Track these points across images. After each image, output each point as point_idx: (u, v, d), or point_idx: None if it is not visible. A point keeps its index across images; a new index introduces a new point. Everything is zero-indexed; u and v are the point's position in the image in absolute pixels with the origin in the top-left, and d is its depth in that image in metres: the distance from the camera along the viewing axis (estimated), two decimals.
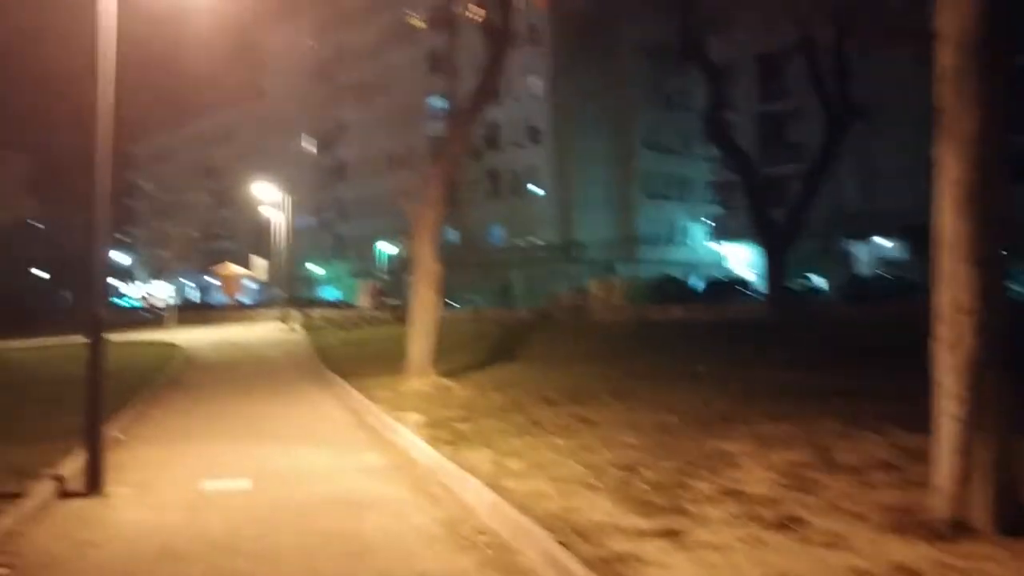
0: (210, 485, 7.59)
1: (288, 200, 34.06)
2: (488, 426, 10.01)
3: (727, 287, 35.30)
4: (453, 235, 53.52)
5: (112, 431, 10.28)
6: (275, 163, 64.94)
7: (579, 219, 51.92)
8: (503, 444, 8.80)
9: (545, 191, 54.17)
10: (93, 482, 7.24)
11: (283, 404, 13.41)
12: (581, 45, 50.88)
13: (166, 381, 17.00)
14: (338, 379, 15.97)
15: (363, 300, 40.54)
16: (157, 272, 47.93)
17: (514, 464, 7.75)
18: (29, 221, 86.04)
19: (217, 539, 5.87)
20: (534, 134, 54.32)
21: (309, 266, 70.87)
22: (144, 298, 76.05)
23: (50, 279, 72.81)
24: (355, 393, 13.67)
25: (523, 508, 5.93)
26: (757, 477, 6.75)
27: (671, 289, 31.45)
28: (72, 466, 7.72)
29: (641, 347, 19.30)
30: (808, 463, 7.11)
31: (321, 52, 71.58)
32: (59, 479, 7.39)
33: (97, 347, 7.42)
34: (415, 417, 10.91)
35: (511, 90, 54.59)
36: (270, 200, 37.69)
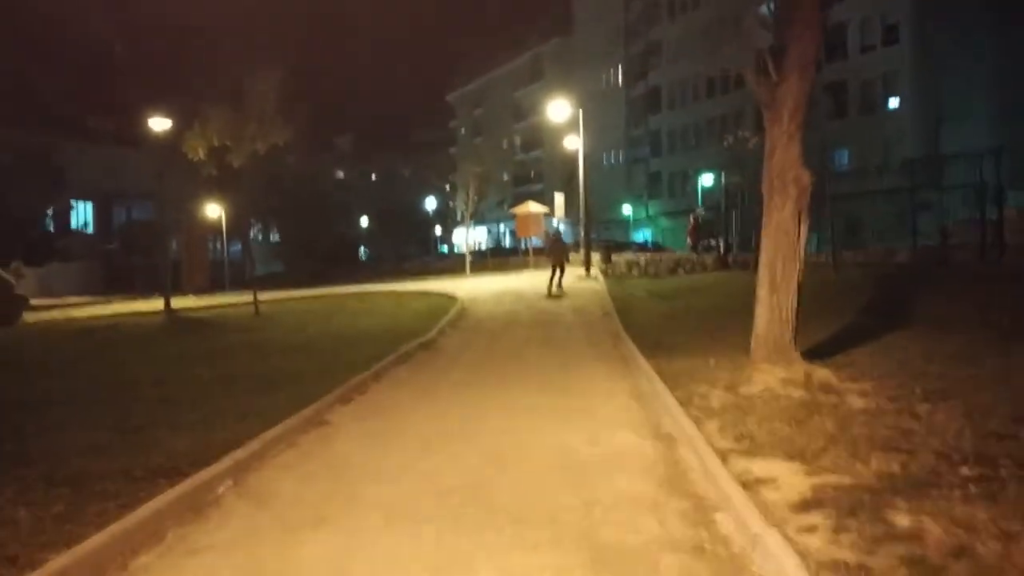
0: None
1: (582, 128, 28.81)
2: (985, 531, 3.93)
3: None
4: None
5: (225, 470, 5.66)
6: (583, 98, 60.47)
7: (948, 135, 41.10)
8: None
9: (903, 103, 43.80)
10: None
11: (548, 411, 8.08)
12: None
13: (415, 348, 12.62)
14: (639, 358, 10.39)
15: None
16: (472, 217, 45.93)
17: None
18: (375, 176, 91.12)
19: None
20: (890, 33, 43.86)
21: (622, 207, 66.18)
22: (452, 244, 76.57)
23: (378, 228, 75.52)
24: (664, 393, 8.00)
25: None
26: None
27: None
28: None
29: None
30: None
31: None
32: None
33: None
34: (791, 479, 5.03)
35: None
36: (573, 135, 33.06)
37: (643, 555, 4.22)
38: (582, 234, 27.43)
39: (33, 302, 26.15)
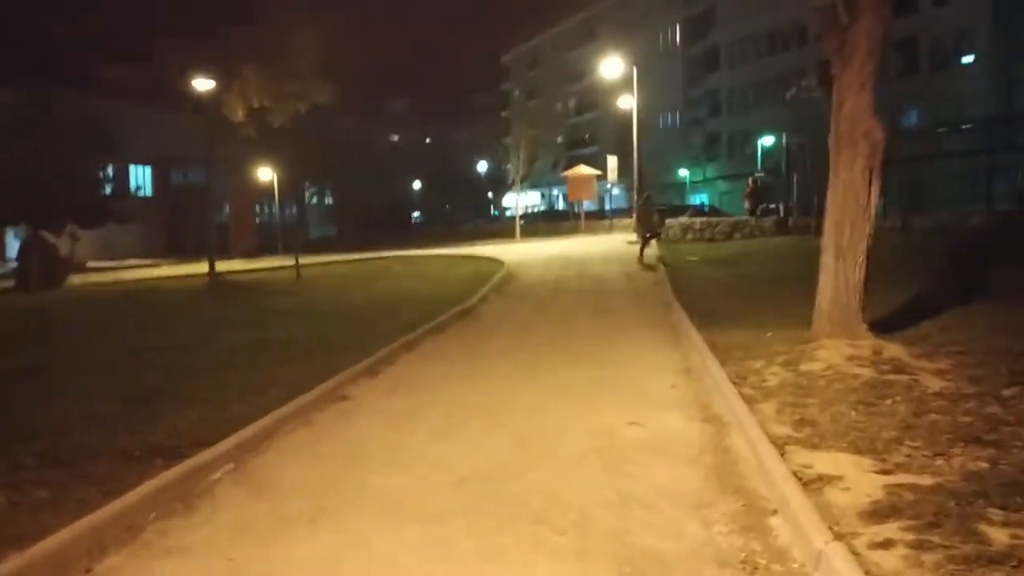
0: None
1: (636, 86, 27.70)
2: None
3: None
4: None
5: (226, 452, 5.19)
6: (638, 57, 58.83)
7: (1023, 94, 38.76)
8: None
9: (977, 60, 41.43)
10: None
11: (589, 385, 7.47)
12: None
13: (454, 315, 12.07)
14: (690, 328, 9.67)
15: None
16: (524, 180, 44.98)
17: None
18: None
19: None
20: None
21: (678, 170, 64.52)
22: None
23: (432, 190, 75.13)
24: (715, 368, 7.30)
25: None
26: None
27: None
28: None
29: None
30: None
31: None
32: None
33: None
34: (861, 478, 4.35)
35: None
36: (627, 95, 31.83)
37: (684, 569, 3.58)
38: (635, 198, 26.45)
39: (91, 264, 26.38)
